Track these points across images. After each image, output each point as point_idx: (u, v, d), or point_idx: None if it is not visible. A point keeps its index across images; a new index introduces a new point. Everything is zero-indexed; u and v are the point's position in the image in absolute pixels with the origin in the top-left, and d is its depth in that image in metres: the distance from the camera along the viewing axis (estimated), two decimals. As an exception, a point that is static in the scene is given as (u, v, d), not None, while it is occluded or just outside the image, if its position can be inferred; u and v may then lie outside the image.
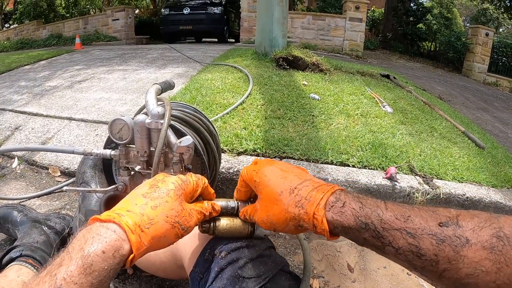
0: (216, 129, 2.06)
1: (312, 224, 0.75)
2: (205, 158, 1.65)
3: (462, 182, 2.60)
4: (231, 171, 2.23)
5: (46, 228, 1.75)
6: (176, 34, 14.14)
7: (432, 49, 16.68)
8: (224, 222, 0.96)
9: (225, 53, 7.44)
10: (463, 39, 13.19)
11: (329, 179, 2.22)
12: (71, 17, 16.21)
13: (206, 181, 0.98)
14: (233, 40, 14.74)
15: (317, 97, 3.76)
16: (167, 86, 1.89)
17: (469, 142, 3.62)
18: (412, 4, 16.89)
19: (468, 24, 21.15)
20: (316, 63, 5.02)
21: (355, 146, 2.71)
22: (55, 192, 2.45)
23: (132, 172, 1.55)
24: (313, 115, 3.24)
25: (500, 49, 14.40)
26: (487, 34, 12.99)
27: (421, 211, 0.68)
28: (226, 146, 2.51)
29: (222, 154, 2.40)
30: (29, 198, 2.37)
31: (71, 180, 2.54)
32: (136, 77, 5.12)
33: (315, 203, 0.75)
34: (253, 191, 0.95)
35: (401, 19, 16.13)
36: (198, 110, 1.94)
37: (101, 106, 3.77)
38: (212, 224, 0.95)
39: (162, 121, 1.39)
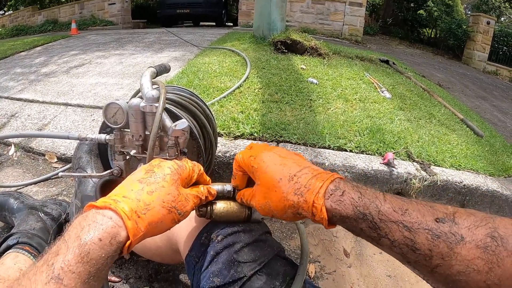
0: (213, 112, 2.03)
1: (311, 212, 0.75)
2: (201, 142, 1.63)
3: (459, 170, 2.59)
4: (227, 155, 2.21)
5: (42, 214, 1.73)
6: (173, 17, 14.01)
7: (432, 36, 16.61)
8: (221, 206, 0.96)
9: (223, 36, 7.41)
10: (464, 27, 13.12)
11: (326, 164, 2.21)
12: (66, 2, 15.95)
13: (202, 168, 0.97)
14: (231, 24, 14.66)
15: (315, 81, 3.73)
16: (162, 69, 1.86)
17: (467, 130, 3.61)
18: (412, -11, 16.77)
19: (469, 12, 21.03)
20: (314, 47, 4.97)
21: (353, 131, 2.69)
22: (52, 179, 2.44)
23: (128, 157, 1.54)
24: (311, 99, 3.21)
25: (501, 38, 14.31)
26: (488, 23, 12.92)
27: (418, 205, 0.69)
28: (223, 130, 2.48)
29: (219, 138, 2.38)
30: (26, 185, 2.36)
31: (68, 166, 2.53)
32: (132, 61, 5.09)
33: (315, 191, 0.75)
34: (249, 177, 0.95)
35: (401, 5, 16.09)
36: (194, 94, 1.91)
37: (98, 91, 3.74)
38: (209, 208, 0.94)
39: (156, 104, 1.37)
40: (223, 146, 2.29)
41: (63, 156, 2.68)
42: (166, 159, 1.36)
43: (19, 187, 2.32)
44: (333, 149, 2.43)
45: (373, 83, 4.09)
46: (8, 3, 18.06)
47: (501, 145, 3.63)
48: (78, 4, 14.50)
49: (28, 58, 6.31)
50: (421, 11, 16.41)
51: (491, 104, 6.91)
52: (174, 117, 1.50)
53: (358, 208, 0.71)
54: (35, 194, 2.23)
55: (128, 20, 13.89)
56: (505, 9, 19.21)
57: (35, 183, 2.38)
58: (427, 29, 16.99)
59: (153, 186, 0.79)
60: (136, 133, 1.43)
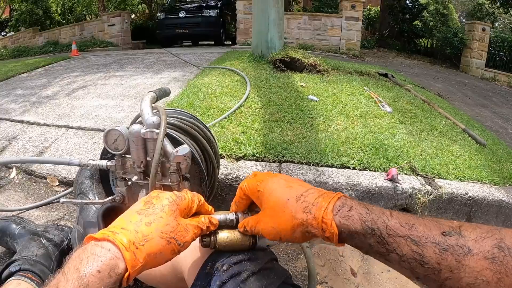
0: (214, 135, 2.03)
1: (320, 228, 0.75)
2: (203, 166, 1.62)
3: (464, 181, 2.58)
4: (230, 177, 2.20)
5: (44, 240, 1.72)
6: (172, 38, 14.10)
7: (429, 46, 16.66)
8: (225, 235, 0.95)
9: (222, 56, 7.43)
10: (460, 35, 13.15)
11: (330, 183, 2.20)
12: (67, 24, 16.15)
13: (202, 198, 0.96)
14: (230, 43, 14.71)
15: (315, 98, 3.73)
16: (162, 94, 1.86)
17: (469, 139, 3.59)
18: (407, 2, 16.88)
19: (464, 20, 21.17)
20: (313, 64, 4.99)
21: (355, 147, 2.68)
22: (53, 203, 2.43)
23: (129, 183, 1.53)
24: (312, 117, 3.21)
25: (497, 43, 14.34)
26: (483, 29, 12.97)
27: (424, 221, 0.69)
28: (224, 151, 2.48)
29: (221, 160, 2.37)
30: (27, 209, 2.35)
31: (69, 190, 2.52)
32: (133, 82, 5.10)
33: (323, 208, 0.76)
34: (252, 203, 0.96)
35: (397, 17, 16.16)
36: (195, 116, 1.91)
37: (98, 113, 3.74)
38: (212, 237, 0.94)
39: (157, 131, 1.36)
40: (226, 168, 2.28)
41: (64, 180, 2.67)
42: (169, 185, 1.36)
43: (20, 211, 2.31)
44: (336, 167, 2.42)
45: (373, 98, 4.10)
46: (9, 24, 18.21)
47: (504, 152, 3.61)
48: (78, 26, 14.68)
49: (29, 80, 6.33)
50: (417, 22, 16.51)
51: (492, 111, 6.89)
52: (175, 142, 1.50)
53: (366, 223, 0.72)
54: (37, 219, 2.22)
55: (128, 41, 13.98)
56: (499, 15, 19.29)
57: (36, 207, 2.37)
58: (424, 39, 17.05)
59: (152, 217, 0.79)
60: (138, 159, 1.42)
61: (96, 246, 0.71)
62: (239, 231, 0.95)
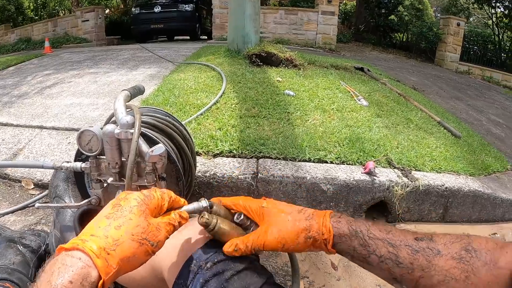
0: (190, 132, 2.01)
1: (321, 232, 0.84)
2: (179, 165, 1.60)
3: (440, 173, 2.62)
4: (207, 174, 2.19)
5: (21, 247, 1.68)
6: (147, 33, 13.90)
7: (404, 40, 16.77)
8: (225, 227, 0.94)
9: (197, 51, 7.35)
10: (435, 30, 13.24)
11: (308, 178, 2.20)
12: (40, 20, 15.76)
13: (173, 194, 0.94)
14: (206, 37, 14.61)
15: (291, 93, 3.72)
16: (136, 92, 1.83)
17: (445, 132, 3.64)
18: (383, -4, 17.00)
19: (438, 15, 21.33)
20: (289, 58, 4.99)
21: (332, 142, 2.69)
22: (29, 207, 2.38)
23: (105, 184, 1.50)
24: (288, 112, 3.20)
25: (471, 38, 14.65)
26: (458, 24, 13.08)
27: (401, 230, 0.81)
28: (201, 148, 2.46)
29: (198, 157, 2.35)
30: (2, 214, 2.29)
31: (44, 193, 2.47)
32: (107, 80, 5.00)
33: (322, 216, 0.87)
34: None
35: (373, 11, 16.22)
36: (170, 114, 1.89)
37: (72, 112, 3.66)
38: (216, 220, 0.92)
39: (132, 131, 1.33)
40: (203, 165, 2.26)
41: (39, 182, 2.61)
42: (145, 186, 1.34)
43: (-4, 217, 2.25)
44: (313, 162, 2.42)
45: (349, 92, 4.11)
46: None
47: (479, 144, 3.67)
48: (51, 22, 14.22)
49: (1, 79, 6.14)
50: (392, 17, 16.60)
51: (466, 103, 6.96)
52: (151, 141, 1.48)
53: (352, 226, 0.82)
54: (13, 224, 2.17)
55: (102, 36, 13.69)
56: (473, 10, 19.54)
57: (12, 212, 2.31)
58: (399, 33, 17.15)
59: (121, 220, 0.77)
60: (112, 160, 1.39)
61: (66, 256, 0.69)
62: (238, 227, 0.97)
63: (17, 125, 3.49)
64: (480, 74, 12.81)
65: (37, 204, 1.51)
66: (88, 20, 13.33)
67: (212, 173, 2.19)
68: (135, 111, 1.44)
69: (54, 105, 4.02)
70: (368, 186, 2.28)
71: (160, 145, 1.38)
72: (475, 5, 16.98)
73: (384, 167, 2.51)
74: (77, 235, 0.85)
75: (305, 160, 2.42)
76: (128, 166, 1.28)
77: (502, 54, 15.00)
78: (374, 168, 2.35)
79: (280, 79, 4.29)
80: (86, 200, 1.51)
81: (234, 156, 2.43)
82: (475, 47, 14.84)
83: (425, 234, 0.78)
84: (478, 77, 12.58)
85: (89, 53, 8.58)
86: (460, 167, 2.76)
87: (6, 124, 3.56)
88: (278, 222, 0.89)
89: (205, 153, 2.43)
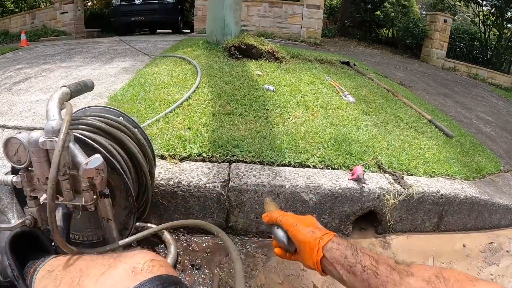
0: (157, 132, 1.70)
1: (322, 234, 1.00)
2: (130, 178, 1.32)
3: (434, 177, 2.42)
4: (171, 182, 1.86)
5: None
6: (128, 25, 13.53)
7: (389, 36, 16.74)
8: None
9: (176, 44, 7.11)
10: (421, 26, 13.30)
11: (287, 186, 1.90)
12: (20, 12, 15.31)
13: None
14: (189, 31, 14.35)
15: (271, 88, 3.41)
16: (81, 88, 1.51)
17: (436, 131, 3.46)
18: (370, -8, 16.91)
19: (424, 12, 21.49)
20: (271, 51, 4.68)
21: (316, 143, 2.40)
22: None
23: (42, 202, 1.24)
24: (267, 109, 2.90)
25: (458, 35, 14.67)
26: (445, 21, 13.17)
27: (386, 256, 0.90)
28: (167, 151, 2.14)
29: (162, 162, 2.04)
30: None
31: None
32: (78, 74, 4.73)
33: (324, 240, 0.98)
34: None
35: (359, 6, 16.24)
36: (125, 114, 1.60)
37: (37, 110, 3.37)
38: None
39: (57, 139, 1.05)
40: (167, 171, 1.94)
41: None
42: (83, 206, 1.17)
43: None
44: (294, 166, 2.12)
45: (335, 87, 3.83)
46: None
47: (471, 144, 3.52)
48: (29, 14, 13.85)
49: None
50: (378, 12, 16.54)
51: (454, 100, 6.91)
52: (91, 149, 1.22)
53: (348, 242, 0.96)
54: None
55: (81, 29, 13.37)
56: (460, 7, 19.62)
57: None
58: (385, 29, 17.12)
59: None
60: (41, 175, 1.15)
61: None
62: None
63: (-21, 124, 3.20)
64: (466, 71, 13.00)
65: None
66: (67, 12, 13.03)
67: (177, 181, 1.86)
68: (67, 111, 1.15)
69: (20, 101, 3.71)
70: (356, 195, 2.00)
71: (97, 156, 1.11)
72: (462, 2, 17.02)
73: (373, 172, 2.26)
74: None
75: (284, 165, 2.12)
76: (49, 185, 1.04)
77: (488, 52, 15.14)
78: (363, 174, 2.08)
79: (260, 73, 3.98)
80: (20, 221, 1.26)
81: (203, 160, 2.11)
82: (462, 44, 14.86)
83: (406, 262, 0.88)
84: (464, 74, 12.78)
85: (65, 46, 8.34)
86: (455, 170, 2.55)
87: (-35, 124, 3.27)
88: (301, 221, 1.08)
89: (171, 156, 2.10)
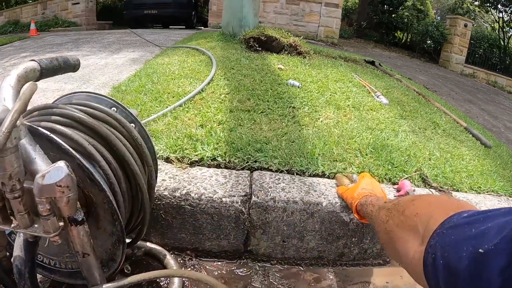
0: (148, 133, 1.29)
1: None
2: (117, 193, 0.95)
3: (480, 193, 2.07)
4: (177, 194, 1.44)
5: None
6: (140, 19, 13.32)
7: (407, 39, 16.41)
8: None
9: (189, 36, 6.81)
10: (441, 29, 12.96)
11: (324, 203, 1.49)
12: (32, 1, 15.18)
13: None
14: (202, 27, 14.08)
15: (297, 83, 3.02)
16: (57, 66, 1.08)
17: (474, 140, 3.13)
18: (387, -7, 16.62)
19: (439, 18, 21.26)
20: (293, 44, 4.28)
21: (352, 149, 2.00)
22: None
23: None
24: (293, 107, 2.52)
25: (477, 41, 14.37)
26: (465, 25, 13.01)
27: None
28: (174, 153, 1.73)
29: (168, 166, 1.65)
30: None
31: None
32: (84, 63, 4.39)
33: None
34: None
35: (377, 8, 15.91)
36: (119, 104, 1.18)
37: (34, 99, 3.03)
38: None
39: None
40: (172, 179, 1.52)
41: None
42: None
43: None
44: (329, 178, 1.72)
45: (365, 86, 3.44)
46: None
47: (508, 155, 3.21)
48: (40, 4, 13.83)
49: None
50: (395, 15, 16.24)
51: (480, 108, 6.67)
52: (64, 153, 0.81)
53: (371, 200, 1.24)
54: None
55: (93, 21, 13.30)
56: (479, 13, 19.31)
57: None
58: (399, 32, 16.79)
59: None
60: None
61: None
62: None
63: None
64: (485, 78, 12.83)
65: None
66: (78, 3, 13.15)
67: (184, 192, 1.45)
68: (24, 92, 0.78)
69: (19, 90, 3.41)
70: (404, 214, 1.61)
71: (60, 165, 0.71)
72: (481, 8, 16.73)
73: (417, 185, 1.88)
74: None
75: (317, 175, 1.72)
76: None
77: (507, 59, 14.79)
78: (413, 190, 1.70)
79: (283, 67, 3.59)
80: None
81: (218, 166, 1.70)
82: (481, 50, 14.51)
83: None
84: (483, 81, 12.67)
85: (73, 36, 8.22)
86: (499, 185, 2.18)
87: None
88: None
89: (178, 159, 1.70)
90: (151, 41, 6.11)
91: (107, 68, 4.11)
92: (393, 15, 16.18)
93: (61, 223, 0.78)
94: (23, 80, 0.90)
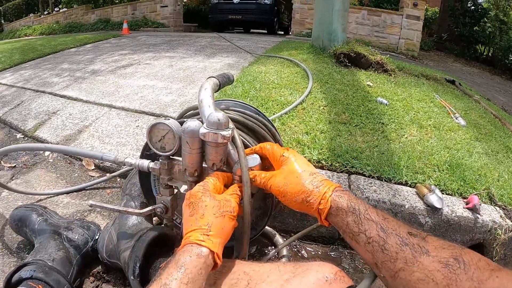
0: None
1: (318, 201, 0.92)
2: None
3: None
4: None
5: (66, 242, 1.49)
6: (224, 23, 13.96)
7: (488, 54, 15.74)
8: None
9: (277, 44, 7.10)
10: (526, 45, 12.36)
11: (406, 206, 1.86)
12: (120, 3, 16.20)
13: (221, 176, 1.08)
14: (282, 33, 14.47)
15: (385, 101, 3.33)
16: (225, 81, 1.55)
17: None
18: (469, 4, 16.03)
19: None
20: (380, 62, 4.56)
21: (431, 164, 2.32)
22: (86, 190, 2.20)
23: (176, 191, 1.26)
24: (382, 123, 2.84)
25: None
26: None
27: (398, 221, 0.81)
28: (285, 153, 2.17)
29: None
30: (56, 194, 2.13)
31: (104, 178, 2.28)
32: (183, 65, 4.89)
33: (327, 187, 0.94)
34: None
35: (458, 20, 15.30)
36: (259, 111, 1.61)
37: (144, 94, 3.53)
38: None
39: (224, 133, 1.06)
40: None
41: (101, 164, 2.48)
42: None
43: (50, 196, 2.10)
44: (411, 186, 2.07)
45: (445, 107, 3.69)
46: (63, 0, 18.39)
47: None
48: (130, 5, 14.67)
49: (77, 55, 6.31)
50: (477, 27, 15.62)
51: None
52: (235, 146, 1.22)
53: (351, 203, 0.87)
54: (66, 206, 2.01)
55: (180, 23, 13.93)
56: None
57: (67, 193, 2.16)
58: (480, 46, 16.06)
59: (200, 211, 0.93)
60: (190, 166, 1.14)
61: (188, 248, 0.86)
62: None
63: (86, 101, 3.45)
64: None
65: (90, 202, 1.32)
66: (166, 6, 13.71)
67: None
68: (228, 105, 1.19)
69: (126, 85, 3.92)
70: (469, 225, 1.92)
71: (255, 156, 1.12)
72: None
73: (484, 203, 2.13)
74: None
75: (401, 183, 2.08)
76: (245, 210, 1.09)
77: None
78: (480, 204, 1.99)
79: (371, 84, 3.90)
80: (149, 208, 1.29)
81: (322, 168, 2.12)
82: None
83: (420, 232, 0.77)
84: None
85: (165, 37, 8.70)
86: None
87: (76, 99, 3.51)
88: (287, 175, 1.00)
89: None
90: (242, 47, 6.44)
91: (206, 71, 4.44)
92: (474, 28, 15.57)
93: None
94: (213, 92, 1.33)
